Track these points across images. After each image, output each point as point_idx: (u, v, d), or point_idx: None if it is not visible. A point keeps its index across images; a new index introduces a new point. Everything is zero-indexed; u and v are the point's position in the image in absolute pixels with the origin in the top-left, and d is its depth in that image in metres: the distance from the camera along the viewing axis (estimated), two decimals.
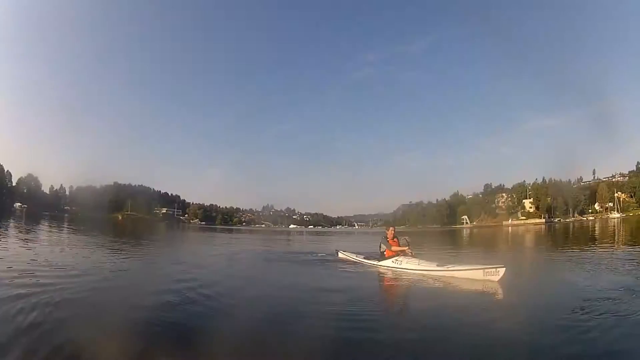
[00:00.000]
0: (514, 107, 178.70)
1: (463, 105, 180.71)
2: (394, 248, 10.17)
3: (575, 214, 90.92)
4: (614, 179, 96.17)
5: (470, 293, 6.95)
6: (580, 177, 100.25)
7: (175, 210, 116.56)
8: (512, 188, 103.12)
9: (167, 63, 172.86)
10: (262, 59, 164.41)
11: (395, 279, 8.76)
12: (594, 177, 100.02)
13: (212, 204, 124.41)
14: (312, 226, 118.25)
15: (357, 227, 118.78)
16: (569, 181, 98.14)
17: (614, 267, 9.60)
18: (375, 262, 10.41)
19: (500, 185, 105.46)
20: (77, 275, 7.59)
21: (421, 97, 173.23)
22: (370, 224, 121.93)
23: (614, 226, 42.10)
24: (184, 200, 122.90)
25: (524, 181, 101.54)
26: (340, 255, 12.66)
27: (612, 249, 15.60)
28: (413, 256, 9.96)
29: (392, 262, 9.76)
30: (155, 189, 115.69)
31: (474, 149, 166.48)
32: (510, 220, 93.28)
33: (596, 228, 42.73)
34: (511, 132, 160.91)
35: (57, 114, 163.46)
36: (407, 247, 10.19)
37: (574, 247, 17.38)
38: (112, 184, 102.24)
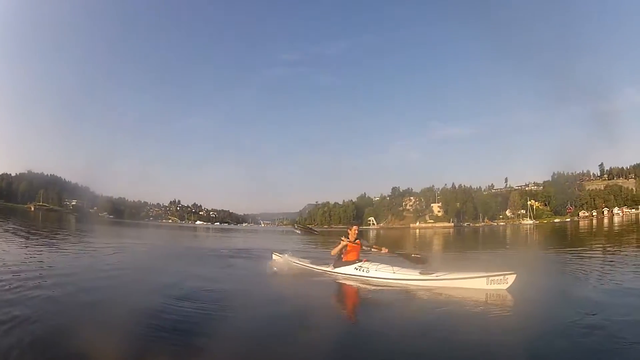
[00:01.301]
0: (424, 115, 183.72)
1: (375, 110, 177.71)
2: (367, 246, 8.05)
3: (486, 219, 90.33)
4: (527, 188, 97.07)
5: (477, 312, 4.93)
6: (492, 184, 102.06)
7: (86, 202, 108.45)
8: (420, 192, 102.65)
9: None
10: (177, 52, 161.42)
11: (359, 290, 6.64)
12: (506, 184, 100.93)
13: (120, 197, 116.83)
14: (218, 223, 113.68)
15: (263, 225, 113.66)
16: (479, 187, 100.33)
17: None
18: (328, 269, 7.92)
19: (409, 188, 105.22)
20: None
21: (335, 100, 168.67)
22: (277, 222, 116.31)
23: (527, 231, 43.02)
24: (94, 192, 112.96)
25: (433, 186, 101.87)
26: (276, 257, 9.94)
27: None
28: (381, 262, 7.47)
29: (355, 269, 7.38)
30: (66, 179, 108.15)
31: (382, 152, 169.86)
32: (418, 223, 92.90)
33: (508, 232, 44.11)
34: (420, 139, 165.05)
35: None
36: (382, 249, 8.00)
37: (487, 248, 18.07)
38: (26, 172, 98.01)
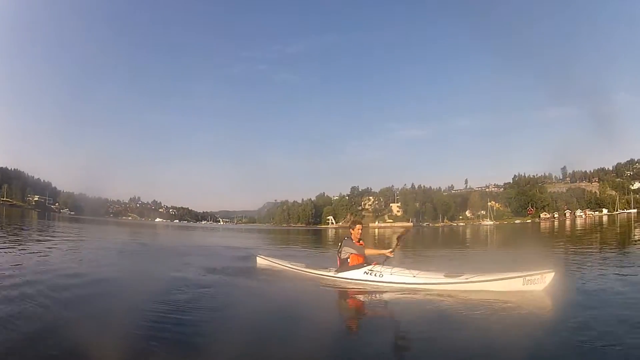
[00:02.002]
0: (383, 116, 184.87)
1: (334, 109, 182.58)
2: (369, 252, 6.50)
3: (445, 220, 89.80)
4: (487, 189, 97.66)
5: (526, 322, 4.05)
6: (452, 185, 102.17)
7: (47, 198, 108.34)
8: (379, 192, 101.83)
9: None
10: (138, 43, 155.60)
11: (374, 299, 5.48)
12: (466, 186, 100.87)
13: (81, 194, 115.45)
14: (177, 220, 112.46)
15: (222, 223, 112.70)
16: (439, 188, 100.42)
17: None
18: (329, 274, 6.63)
19: (368, 188, 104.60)
20: None
21: (294, 98, 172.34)
22: (235, 221, 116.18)
23: (487, 232, 42.09)
24: (55, 187, 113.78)
25: (392, 186, 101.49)
26: (261, 261, 8.35)
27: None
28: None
29: (365, 273, 6.15)
30: (29, 174, 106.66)
31: (342, 152, 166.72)
32: (377, 223, 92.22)
33: (469, 233, 41.85)
34: (380, 139, 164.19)
35: None
36: (388, 251, 6.31)
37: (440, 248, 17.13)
38: None
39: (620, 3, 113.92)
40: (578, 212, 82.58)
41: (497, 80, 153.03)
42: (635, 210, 76.16)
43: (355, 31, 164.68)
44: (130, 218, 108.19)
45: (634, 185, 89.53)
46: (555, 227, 46.38)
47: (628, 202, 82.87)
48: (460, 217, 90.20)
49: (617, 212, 78.89)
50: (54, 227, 24.91)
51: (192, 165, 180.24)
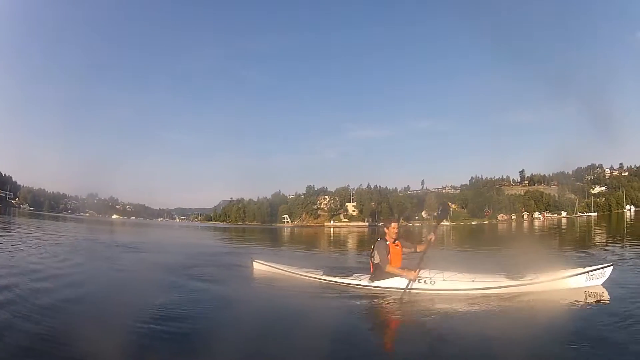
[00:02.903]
0: (341, 116, 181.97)
1: (293, 108, 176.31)
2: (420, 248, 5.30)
3: (401, 220, 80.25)
4: (444, 190, 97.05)
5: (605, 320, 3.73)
6: (408, 185, 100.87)
7: (7, 193, 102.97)
8: (335, 191, 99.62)
9: None
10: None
11: (437, 312, 4.26)
12: (423, 186, 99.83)
13: (40, 189, 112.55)
14: (134, 217, 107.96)
15: (178, 220, 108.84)
16: (395, 188, 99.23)
17: None
18: (363, 283, 5.41)
19: (323, 187, 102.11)
20: None
21: (254, 96, 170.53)
22: (191, 218, 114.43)
23: (443, 232, 39.83)
24: (16, 182, 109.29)
25: (348, 185, 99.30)
26: (259, 266, 6.93)
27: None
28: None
29: (411, 280, 4.98)
30: None
31: (299, 151, 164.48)
32: (332, 222, 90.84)
33: (424, 232, 37.68)
34: (337, 139, 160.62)
35: None
36: (423, 244, 5.28)
37: None
38: None
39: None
40: (536, 215, 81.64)
41: (456, 84, 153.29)
42: (596, 214, 75.81)
43: (316, 31, 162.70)
44: (87, 214, 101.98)
45: (595, 189, 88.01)
46: (513, 229, 46.48)
47: (588, 206, 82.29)
48: (417, 217, 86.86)
49: (576, 215, 78.43)
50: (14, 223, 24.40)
51: (149, 161, 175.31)
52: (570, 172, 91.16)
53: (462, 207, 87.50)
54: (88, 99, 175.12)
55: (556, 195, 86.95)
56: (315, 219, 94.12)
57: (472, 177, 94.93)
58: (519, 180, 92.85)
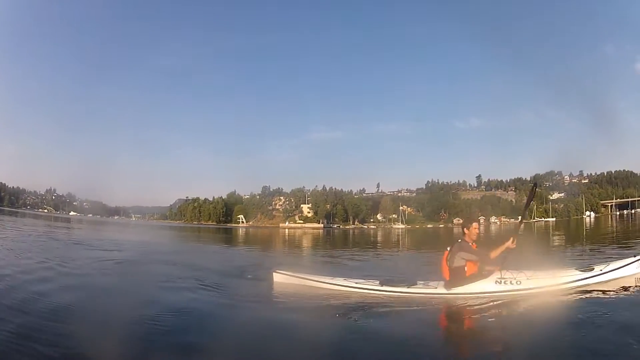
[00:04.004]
0: (298, 118, 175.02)
1: (249, 108, 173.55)
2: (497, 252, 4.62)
3: (356, 222, 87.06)
4: (399, 194, 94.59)
5: None
6: (363, 188, 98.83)
7: None
8: (290, 192, 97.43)
9: None
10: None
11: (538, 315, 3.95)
12: (378, 189, 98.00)
13: (2, 183, 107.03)
14: (91, 215, 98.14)
15: (134, 218, 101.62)
16: (351, 191, 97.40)
17: None
18: (440, 291, 4.73)
19: (279, 188, 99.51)
20: None
21: (212, 95, 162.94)
22: (147, 217, 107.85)
23: (398, 235, 41.73)
24: None
25: (304, 187, 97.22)
26: (282, 278, 5.62)
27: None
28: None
29: (496, 282, 4.59)
30: None
31: (254, 151, 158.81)
32: (287, 223, 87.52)
33: (380, 235, 41.42)
34: (293, 140, 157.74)
35: None
36: (510, 241, 4.53)
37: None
38: None
39: None
40: (493, 219, 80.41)
41: (418, 89, 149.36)
42: (554, 219, 74.73)
43: (278, 31, 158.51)
44: (46, 211, 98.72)
45: (553, 195, 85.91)
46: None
47: (546, 211, 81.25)
48: (372, 220, 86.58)
49: (534, 220, 76.72)
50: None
51: (107, 157, 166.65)
52: (529, 178, 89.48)
53: (418, 211, 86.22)
54: (43, 93, 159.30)
55: (514, 200, 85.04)
56: (270, 219, 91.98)
57: (428, 181, 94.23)
58: (475, 186, 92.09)
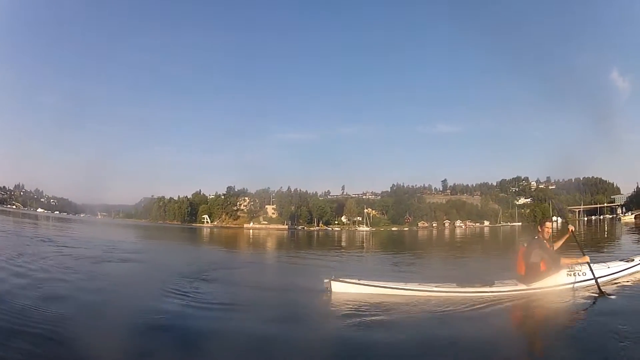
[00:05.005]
0: (265, 117, 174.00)
1: (217, 107, 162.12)
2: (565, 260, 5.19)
3: (320, 224, 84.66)
4: (364, 196, 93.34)
5: None
6: (328, 190, 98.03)
7: None
8: (255, 193, 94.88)
9: None
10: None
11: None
12: (343, 192, 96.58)
13: None
14: (58, 212, 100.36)
15: (100, 216, 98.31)
16: (315, 193, 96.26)
17: None
18: (519, 288, 4.99)
19: (244, 189, 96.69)
20: None
21: (180, 92, 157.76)
22: (113, 215, 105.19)
23: (363, 237, 40.93)
24: None
25: (269, 188, 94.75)
26: (341, 287, 5.13)
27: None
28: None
29: (567, 275, 5.04)
30: None
31: (220, 151, 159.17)
32: (251, 224, 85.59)
33: (344, 237, 40.61)
34: (260, 140, 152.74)
35: None
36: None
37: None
38: None
39: None
40: (458, 223, 79.64)
41: (388, 93, 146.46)
42: (520, 224, 74.42)
43: (245, 31, 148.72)
44: (14, 207, 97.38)
45: (519, 200, 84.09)
46: (434, 235, 45.50)
47: (512, 216, 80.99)
48: (336, 222, 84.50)
49: (499, 225, 77.39)
50: None
51: (77, 154, 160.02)
52: (495, 183, 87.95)
53: (383, 214, 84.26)
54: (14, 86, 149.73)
55: (479, 205, 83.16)
56: (234, 220, 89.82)
57: (393, 184, 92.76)
58: (441, 190, 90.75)
